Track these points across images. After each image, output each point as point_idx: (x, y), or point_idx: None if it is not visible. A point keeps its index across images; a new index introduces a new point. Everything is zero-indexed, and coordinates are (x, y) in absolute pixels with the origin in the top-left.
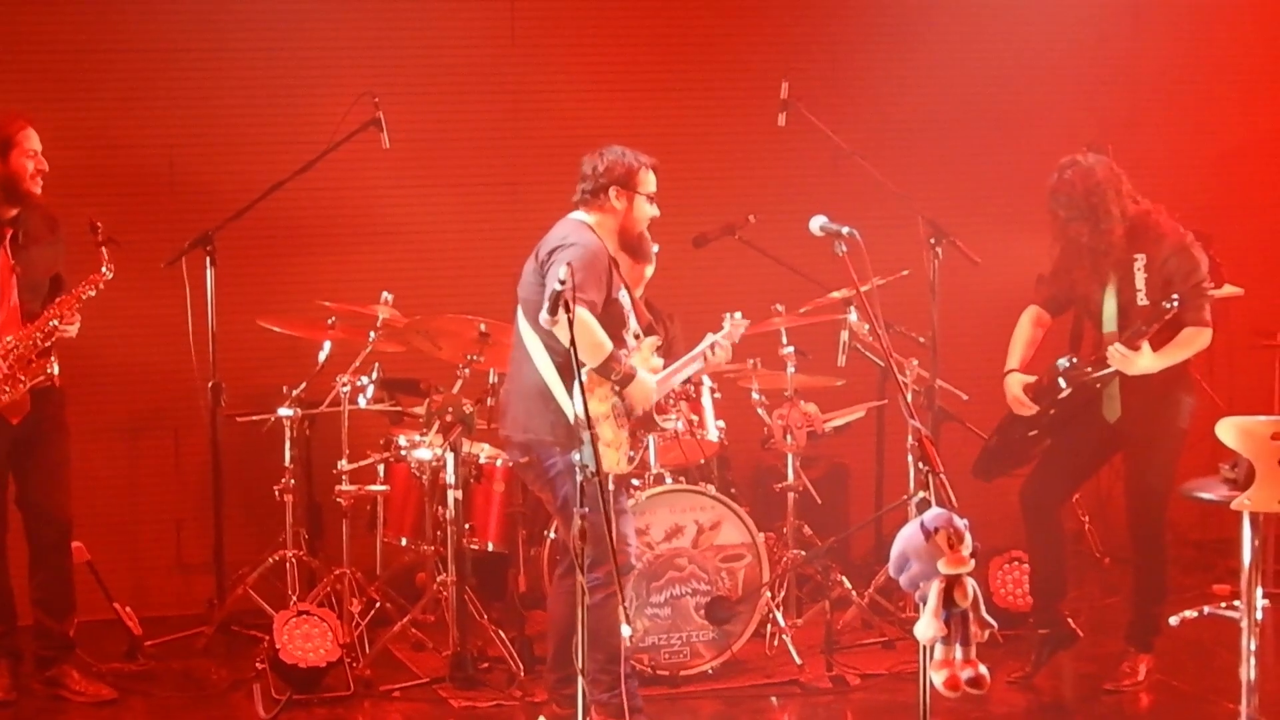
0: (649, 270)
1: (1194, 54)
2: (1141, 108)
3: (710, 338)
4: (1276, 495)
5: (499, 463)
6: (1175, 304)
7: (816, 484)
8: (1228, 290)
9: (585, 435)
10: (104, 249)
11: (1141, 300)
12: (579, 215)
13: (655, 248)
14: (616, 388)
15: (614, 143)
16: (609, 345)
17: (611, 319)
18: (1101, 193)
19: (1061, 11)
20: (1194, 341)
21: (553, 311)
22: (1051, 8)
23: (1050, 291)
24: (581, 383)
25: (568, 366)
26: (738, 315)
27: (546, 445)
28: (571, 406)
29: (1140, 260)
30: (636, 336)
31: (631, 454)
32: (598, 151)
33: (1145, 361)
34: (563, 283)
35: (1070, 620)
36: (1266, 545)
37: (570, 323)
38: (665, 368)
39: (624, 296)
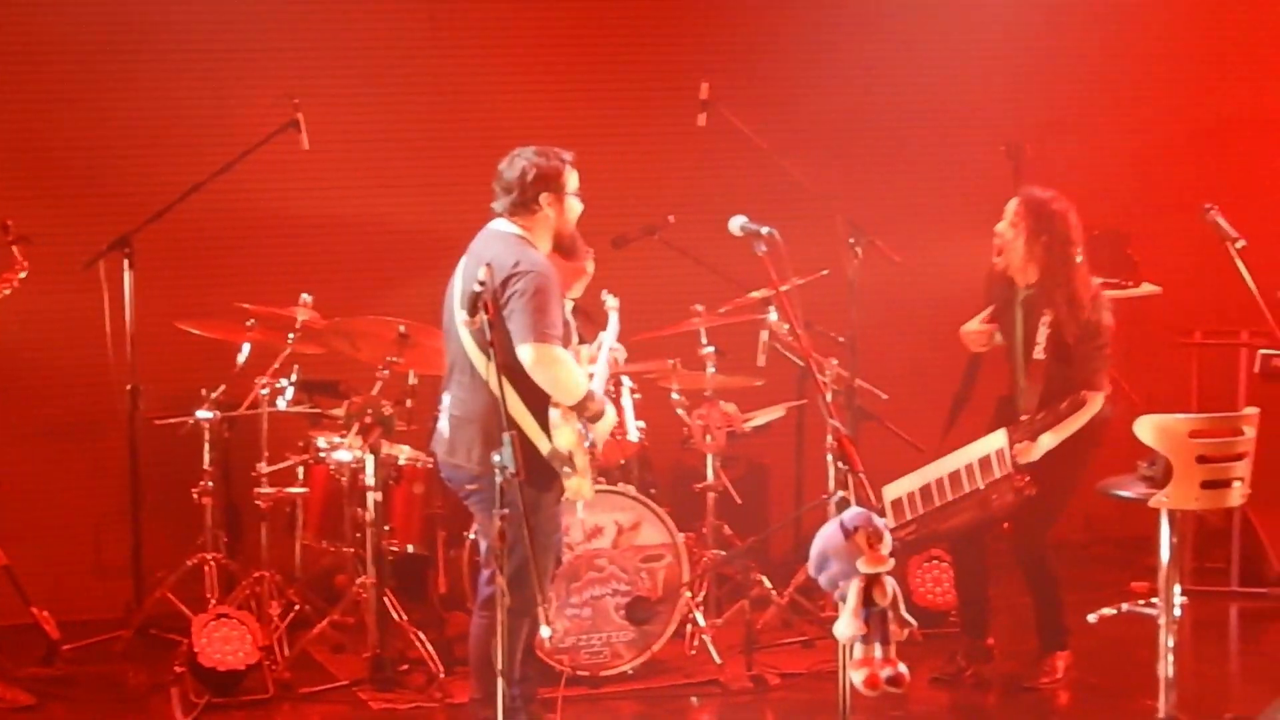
0: (589, 266)
1: (1113, 54)
2: (1060, 107)
3: (604, 341)
4: (1194, 493)
5: (418, 464)
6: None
7: (736, 484)
8: (1146, 289)
9: (506, 437)
10: (15, 248)
11: (1038, 353)
12: (509, 228)
13: (589, 269)
14: (586, 419)
15: (533, 143)
16: (585, 384)
17: (564, 339)
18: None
19: (981, 12)
20: (1089, 410)
21: (472, 313)
22: (971, 9)
23: (983, 299)
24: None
25: (537, 402)
26: (612, 300)
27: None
28: (544, 440)
29: (1048, 315)
30: (575, 349)
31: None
32: (514, 156)
33: (1046, 444)
34: (482, 284)
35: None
36: (1184, 543)
37: (490, 324)
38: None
39: (567, 309)
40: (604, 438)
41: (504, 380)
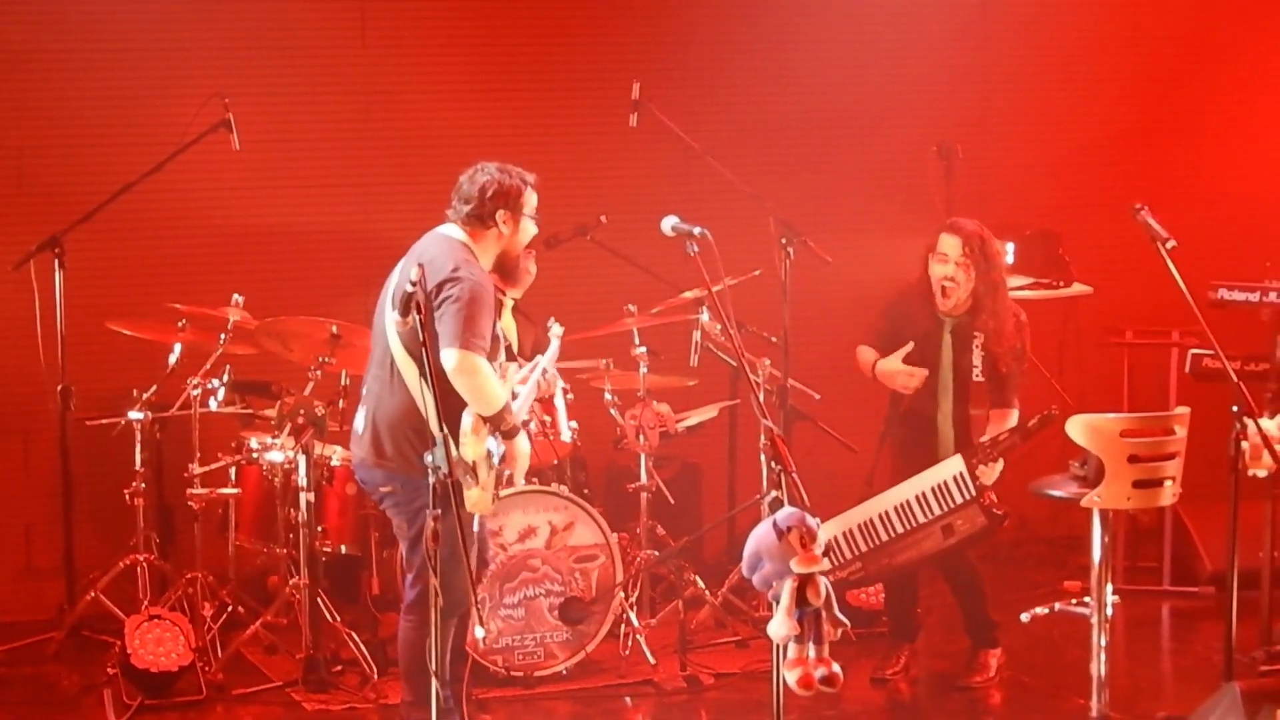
0: (532, 267)
1: (1043, 54)
2: (991, 107)
3: (540, 362)
4: (1126, 492)
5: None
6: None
7: (669, 484)
8: (1077, 289)
9: (439, 436)
10: None
11: (977, 376)
12: (456, 233)
13: (532, 270)
14: (499, 435)
15: (463, 144)
16: (504, 397)
17: (491, 354)
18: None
19: (912, 12)
20: (1008, 422)
21: (404, 313)
22: (902, 9)
23: (883, 327)
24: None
25: (451, 409)
26: (557, 328)
27: (414, 477)
28: (451, 447)
29: (979, 339)
30: (501, 365)
31: (496, 496)
32: (476, 170)
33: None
34: (414, 284)
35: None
36: (1116, 542)
37: (422, 325)
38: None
39: (498, 327)
40: (521, 461)
41: (408, 381)
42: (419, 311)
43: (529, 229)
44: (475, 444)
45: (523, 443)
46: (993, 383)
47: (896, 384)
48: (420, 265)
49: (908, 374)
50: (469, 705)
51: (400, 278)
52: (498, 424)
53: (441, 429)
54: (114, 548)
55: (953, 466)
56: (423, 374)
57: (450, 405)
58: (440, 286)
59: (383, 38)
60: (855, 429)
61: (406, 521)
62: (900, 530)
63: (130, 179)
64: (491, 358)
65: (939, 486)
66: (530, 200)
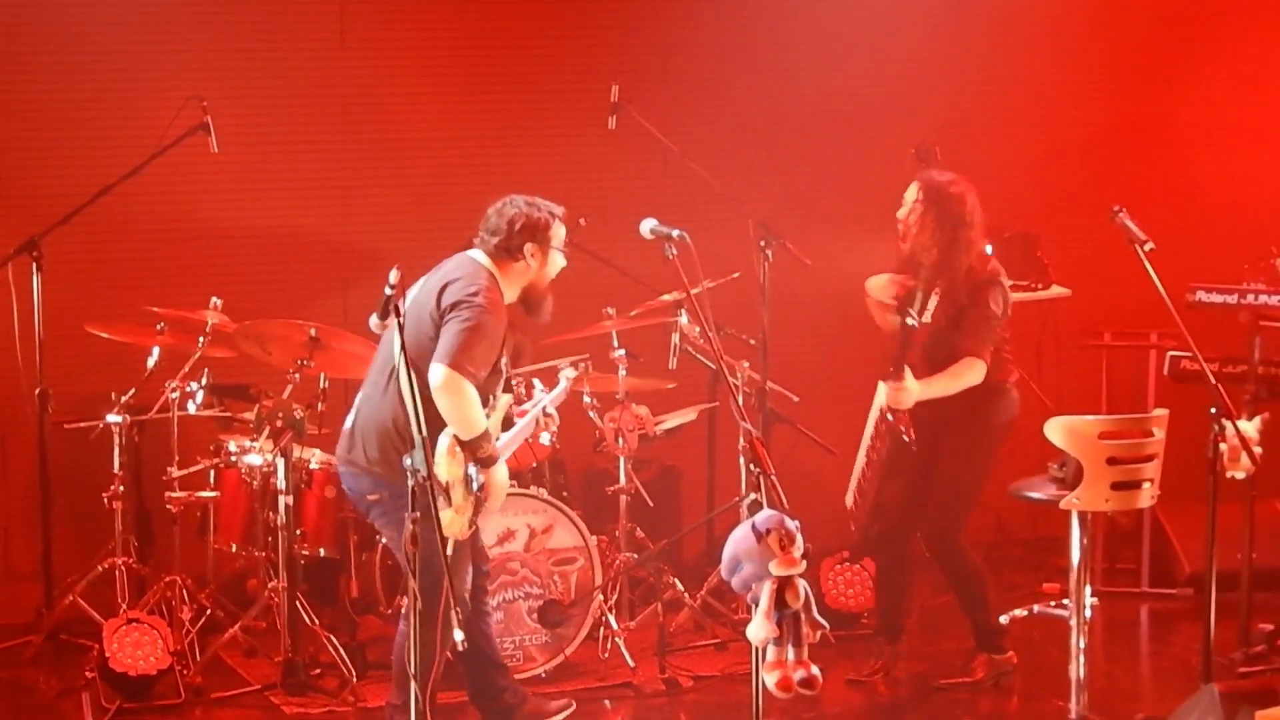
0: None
1: (1020, 57)
2: (969, 110)
3: (541, 400)
4: (1104, 494)
5: (330, 467)
6: (914, 322)
7: (648, 487)
8: (1055, 291)
9: (418, 439)
10: None
11: (925, 318)
12: (484, 260)
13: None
14: (477, 462)
15: (436, 145)
16: (483, 423)
17: (488, 385)
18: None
19: (889, 15)
20: (965, 373)
21: (383, 316)
22: (880, 12)
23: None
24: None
25: (436, 418)
26: (569, 371)
27: (401, 488)
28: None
29: (940, 288)
30: (494, 396)
31: (474, 521)
32: (506, 202)
33: (913, 388)
34: (393, 287)
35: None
36: (1095, 544)
37: (400, 328)
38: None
39: (504, 358)
40: (498, 492)
41: (403, 390)
42: (397, 314)
43: (557, 262)
44: (450, 465)
45: (500, 473)
46: (950, 329)
47: (876, 312)
48: (398, 268)
49: (877, 303)
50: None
51: (421, 291)
52: (474, 450)
53: (421, 432)
54: (92, 551)
55: (879, 398)
56: (411, 381)
57: (433, 422)
58: (456, 304)
59: (361, 41)
60: (834, 432)
61: (396, 531)
62: (860, 467)
63: (108, 182)
64: (488, 390)
65: (874, 420)
66: (558, 233)
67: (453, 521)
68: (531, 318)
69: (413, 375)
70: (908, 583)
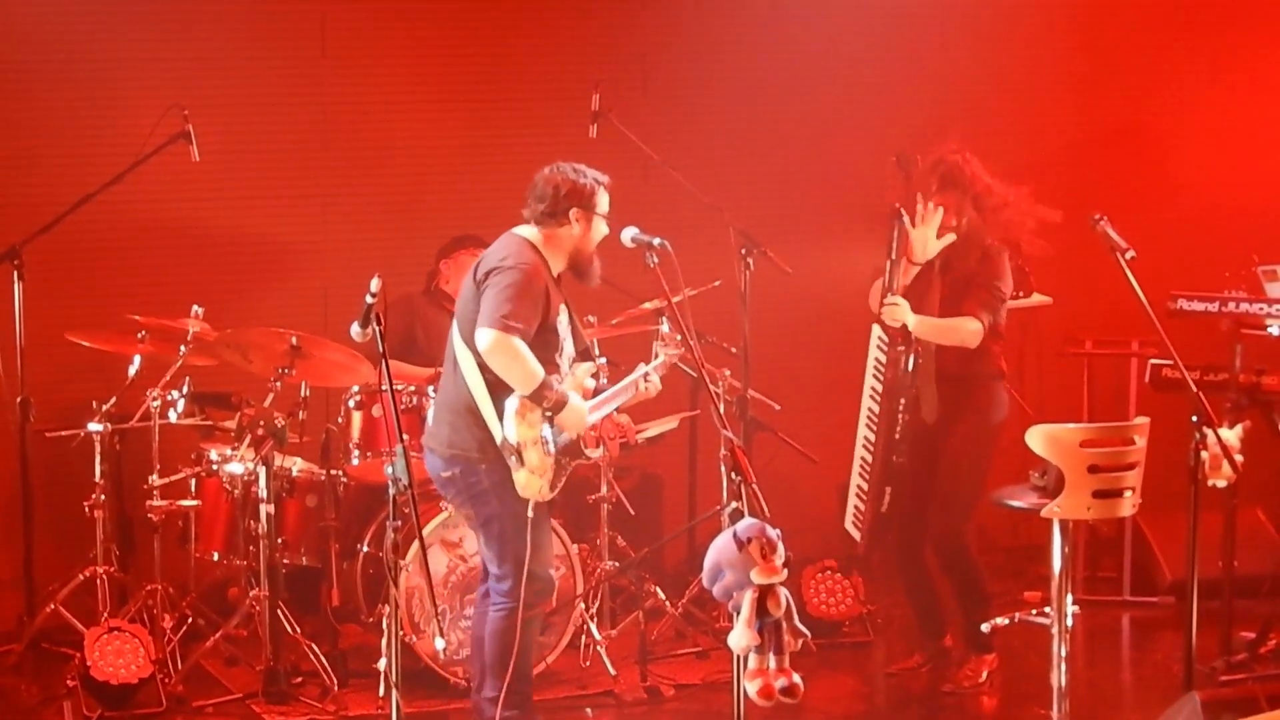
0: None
1: (1000, 66)
2: (950, 118)
3: (642, 368)
4: (1085, 502)
5: (311, 476)
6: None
7: (630, 495)
8: (1037, 299)
9: (400, 448)
10: None
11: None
12: (526, 232)
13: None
14: (549, 414)
15: (418, 153)
16: (540, 373)
17: (545, 344)
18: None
19: (871, 23)
20: (959, 328)
21: (364, 325)
22: (861, 19)
23: None
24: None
25: (498, 385)
26: (669, 349)
27: (473, 462)
28: (500, 428)
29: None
30: (572, 361)
31: (556, 483)
32: (553, 168)
33: (905, 305)
34: (374, 295)
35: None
36: (1076, 552)
37: (381, 335)
38: (596, 395)
39: (562, 320)
40: (575, 429)
41: (464, 368)
42: (379, 323)
43: (600, 228)
44: (520, 427)
45: (571, 412)
46: (962, 294)
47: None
48: (377, 277)
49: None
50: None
51: (469, 282)
52: (539, 401)
53: (402, 438)
54: (73, 560)
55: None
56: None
57: (500, 386)
58: (488, 274)
59: (343, 49)
60: (816, 440)
61: (472, 508)
62: (870, 435)
63: (90, 190)
64: (550, 350)
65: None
66: (602, 200)
67: (529, 482)
68: (582, 282)
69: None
70: (932, 577)
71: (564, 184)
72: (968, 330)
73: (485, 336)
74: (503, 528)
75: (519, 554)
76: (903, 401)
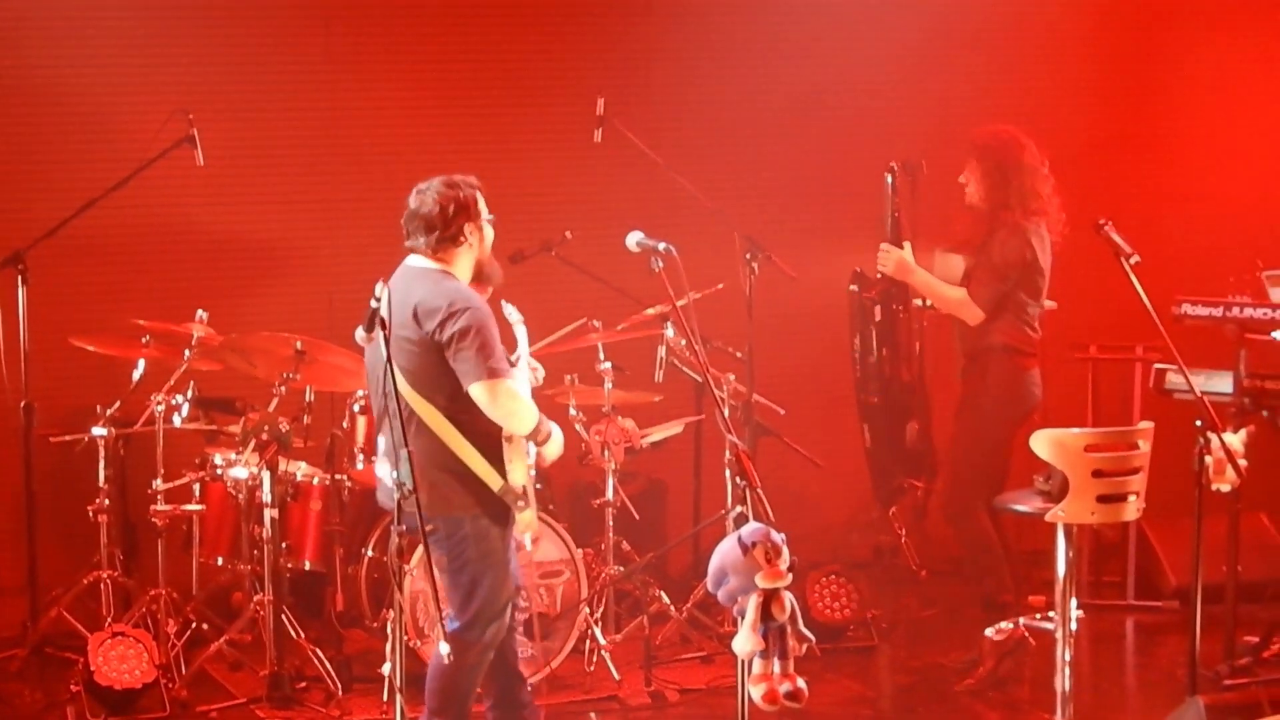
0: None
1: (1004, 71)
2: (953, 123)
3: (522, 359)
4: (1090, 507)
5: (315, 481)
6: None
7: (634, 500)
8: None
9: (403, 453)
10: None
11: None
12: (427, 264)
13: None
14: (532, 449)
15: (428, 160)
16: (536, 412)
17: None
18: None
19: (877, 29)
20: (948, 296)
21: (369, 329)
22: (866, 25)
23: None
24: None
25: (474, 430)
26: (514, 313)
27: (455, 517)
28: (495, 478)
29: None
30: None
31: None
32: (422, 190)
33: (899, 254)
34: (378, 299)
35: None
36: (1080, 556)
37: (386, 340)
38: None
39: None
40: (554, 456)
41: (430, 424)
42: (383, 328)
43: (490, 232)
44: (520, 467)
45: (555, 442)
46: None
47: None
48: (381, 285)
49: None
50: None
51: (413, 329)
52: (535, 436)
53: (406, 444)
54: (77, 564)
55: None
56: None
57: (485, 436)
58: (442, 325)
59: (346, 54)
60: (820, 444)
61: (447, 556)
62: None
63: (94, 195)
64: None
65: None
66: (483, 204)
67: (530, 520)
68: (487, 284)
69: (396, 383)
70: (998, 559)
71: (449, 203)
72: (955, 298)
73: (481, 392)
74: (474, 576)
75: (486, 600)
76: (874, 345)
